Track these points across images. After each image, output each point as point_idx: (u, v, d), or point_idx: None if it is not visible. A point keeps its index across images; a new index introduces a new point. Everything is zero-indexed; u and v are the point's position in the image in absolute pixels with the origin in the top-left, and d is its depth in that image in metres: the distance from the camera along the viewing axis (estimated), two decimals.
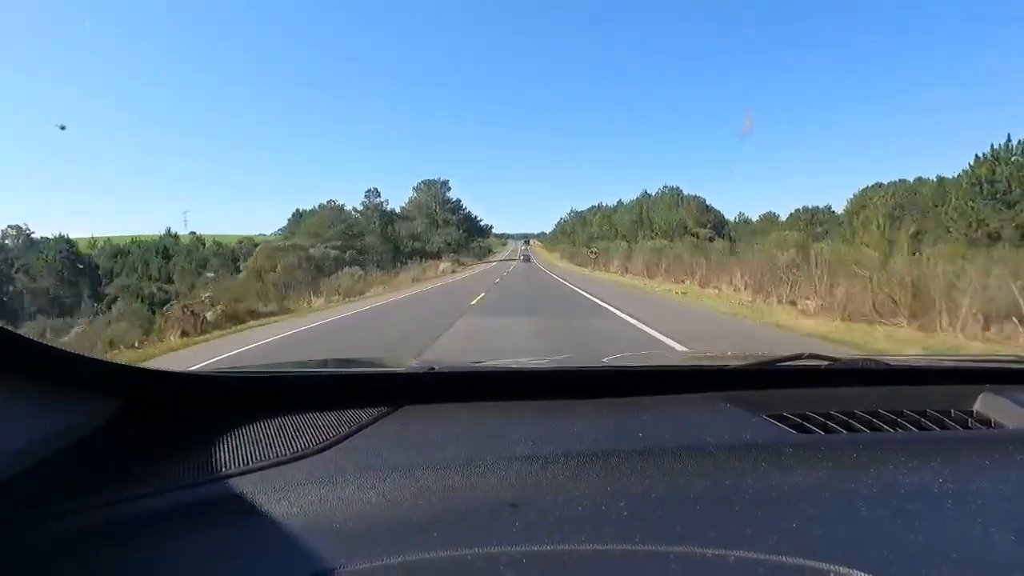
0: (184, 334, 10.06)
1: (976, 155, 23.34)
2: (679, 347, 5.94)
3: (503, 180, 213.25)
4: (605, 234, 50.11)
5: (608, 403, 0.85)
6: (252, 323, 11.32)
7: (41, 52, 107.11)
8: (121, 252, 45.04)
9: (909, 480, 0.61)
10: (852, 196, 39.61)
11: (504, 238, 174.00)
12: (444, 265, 40.78)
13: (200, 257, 43.93)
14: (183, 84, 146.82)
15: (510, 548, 0.48)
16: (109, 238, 50.19)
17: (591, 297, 13.43)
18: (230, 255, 42.46)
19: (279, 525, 0.53)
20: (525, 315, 9.74)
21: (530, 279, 24.89)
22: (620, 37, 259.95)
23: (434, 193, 60.97)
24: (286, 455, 0.65)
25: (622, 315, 9.21)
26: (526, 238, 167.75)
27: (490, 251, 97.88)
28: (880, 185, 42.08)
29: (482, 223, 70.39)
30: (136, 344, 10.11)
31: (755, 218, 44.87)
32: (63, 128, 73.06)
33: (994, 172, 21.66)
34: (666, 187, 48.34)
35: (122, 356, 8.25)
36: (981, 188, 21.58)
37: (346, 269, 25.50)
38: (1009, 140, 21.97)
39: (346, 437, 0.71)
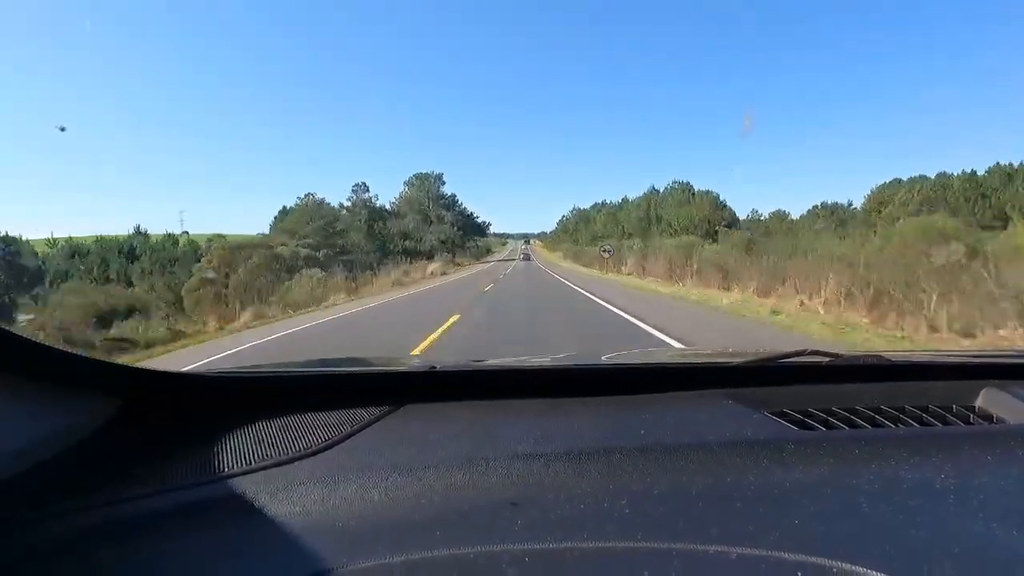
0: None
1: None
2: None
3: (503, 180, 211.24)
4: (611, 232, 46.19)
5: (610, 401, 0.84)
6: None
7: (41, 52, 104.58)
8: (79, 252, 40.93)
9: (911, 476, 0.61)
10: (869, 192, 38.66)
11: (504, 238, 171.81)
12: (433, 266, 35.71)
13: (165, 258, 39.95)
14: (183, 84, 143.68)
15: (512, 546, 0.48)
16: (71, 237, 45.89)
17: (622, 313, 9.03)
18: (195, 256, 38.30)
19: (281, 525, 0.53)
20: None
21: (531, 282, 20.62)
22: (620, 37, 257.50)
23: (427, 188, 53.90)
24: (287, 455, 0.65)
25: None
26: (526, 238, 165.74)
27: (488, 251, 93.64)
28: (899, 181, 41.44)
29: (479, 220, 64.11)
30: None
31: (764, 216, 41.84)
32: (63, 129, 69.99)
33: None
34: (676, 182, 44.19)
35: None
36: None
37: (303, 272, 21.33)
38: None
39: (348, 436, 0.70)
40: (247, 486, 0.59)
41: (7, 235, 37.64)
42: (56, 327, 7.86)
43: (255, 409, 0.76)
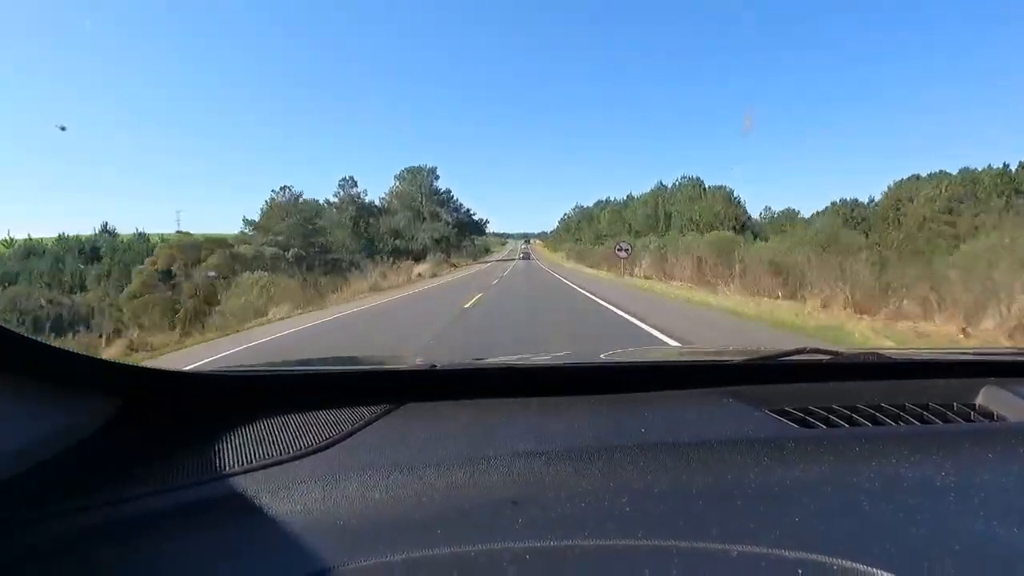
0: None
1: None
2: None
3: (503, 180, 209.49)
4: (617, 231, 44.54)
5: (610, 399, 0.84)
6: None
7: (41, 52, 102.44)
8: (35, 253, 37.23)
9: (911, 474, 0.61)
10: (887, 189, 36.17)
11: (504, 238, 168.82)
12: (421, 267, 32.01)
13: (132, 259, 36.23)
14: (182, 84, 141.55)
15: (513, 544, 0.48)
16: (29, 236, 42.06)
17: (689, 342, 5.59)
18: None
19: (281, 523, 0.53)
20: None
21: (531, 284, 17.13)
22: (620, 37, 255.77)
23: (419, 182, 49.33)
24: (288, 453, 0.65)
25: None
26: (526, 237, 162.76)
27: (487, 250, 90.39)
28: (918, 177, 38.76)
29: (477, 218, 59.24)
30: None
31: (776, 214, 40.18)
32: (63, 129, 67.39)
33: None
34: (685, 177, 41.78)
35: None
36: None
37: (245, 275, 17.75)
38: None
39: (348, 435, 0.70)
40: (247, 485, 0.59)
41: None
42: None
43: (255, 408, 0.76)
